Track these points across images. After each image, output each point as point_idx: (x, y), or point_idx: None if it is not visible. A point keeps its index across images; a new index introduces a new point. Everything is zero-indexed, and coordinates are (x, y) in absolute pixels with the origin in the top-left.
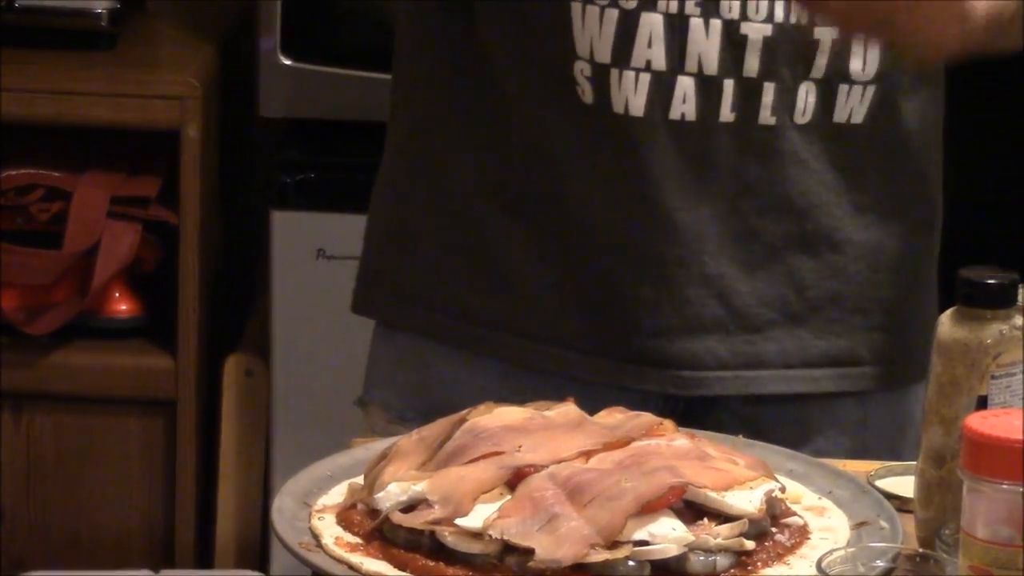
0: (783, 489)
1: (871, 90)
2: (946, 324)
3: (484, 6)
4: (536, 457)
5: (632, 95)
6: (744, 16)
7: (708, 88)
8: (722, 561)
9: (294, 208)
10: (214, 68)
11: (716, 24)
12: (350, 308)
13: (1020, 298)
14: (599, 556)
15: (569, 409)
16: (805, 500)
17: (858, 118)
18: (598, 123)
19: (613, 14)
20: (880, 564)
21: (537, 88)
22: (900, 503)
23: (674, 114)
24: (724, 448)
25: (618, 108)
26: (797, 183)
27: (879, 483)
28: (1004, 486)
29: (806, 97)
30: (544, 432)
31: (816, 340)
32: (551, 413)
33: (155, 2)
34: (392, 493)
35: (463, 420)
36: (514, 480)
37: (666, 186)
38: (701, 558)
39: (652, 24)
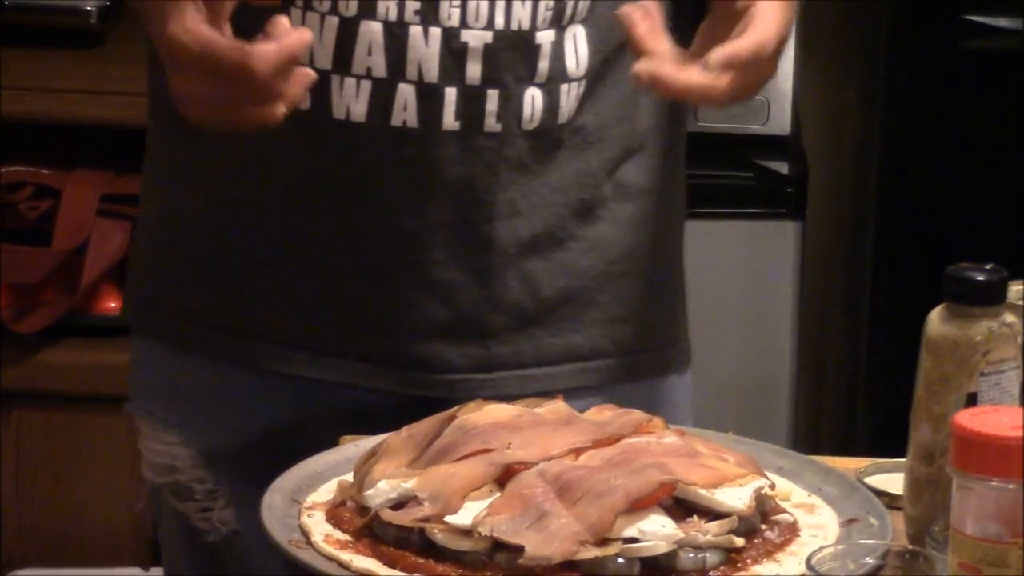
0: (773, 486)
1: (584, 85)
2: (935, 321)
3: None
4: (526, 454)
5: (353, 102)
6: (464, 23)
7: (429, 96)
8: (712, 558)
9: None
10: None
11: (435, 32)
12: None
13: (1009, 295)
14: (588, 553)
15: (559, 406)
16: (795, 497)
17: (582, 118)
18: (317, 129)
19: (333, 21)
20: (870, 561)
21: None
22: (889, 500)
23: (395, 121)
24: (714, 445)
25: (339, 114)
26: (524, 188)
27: (868, 480)
28: (993, 483)
29: (533, 103)
30: (534, 429)
31: (552, 339)
32: (541, 410)
33: None
34: (382, 490)
35: (453, 417)
36: (504, 477)
37: (389, 193)
38: (691, 555)
39: (372, 32)
